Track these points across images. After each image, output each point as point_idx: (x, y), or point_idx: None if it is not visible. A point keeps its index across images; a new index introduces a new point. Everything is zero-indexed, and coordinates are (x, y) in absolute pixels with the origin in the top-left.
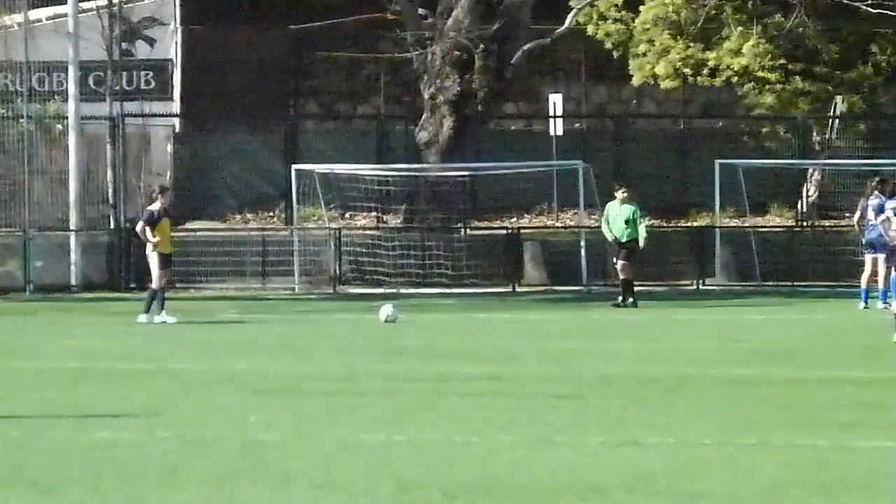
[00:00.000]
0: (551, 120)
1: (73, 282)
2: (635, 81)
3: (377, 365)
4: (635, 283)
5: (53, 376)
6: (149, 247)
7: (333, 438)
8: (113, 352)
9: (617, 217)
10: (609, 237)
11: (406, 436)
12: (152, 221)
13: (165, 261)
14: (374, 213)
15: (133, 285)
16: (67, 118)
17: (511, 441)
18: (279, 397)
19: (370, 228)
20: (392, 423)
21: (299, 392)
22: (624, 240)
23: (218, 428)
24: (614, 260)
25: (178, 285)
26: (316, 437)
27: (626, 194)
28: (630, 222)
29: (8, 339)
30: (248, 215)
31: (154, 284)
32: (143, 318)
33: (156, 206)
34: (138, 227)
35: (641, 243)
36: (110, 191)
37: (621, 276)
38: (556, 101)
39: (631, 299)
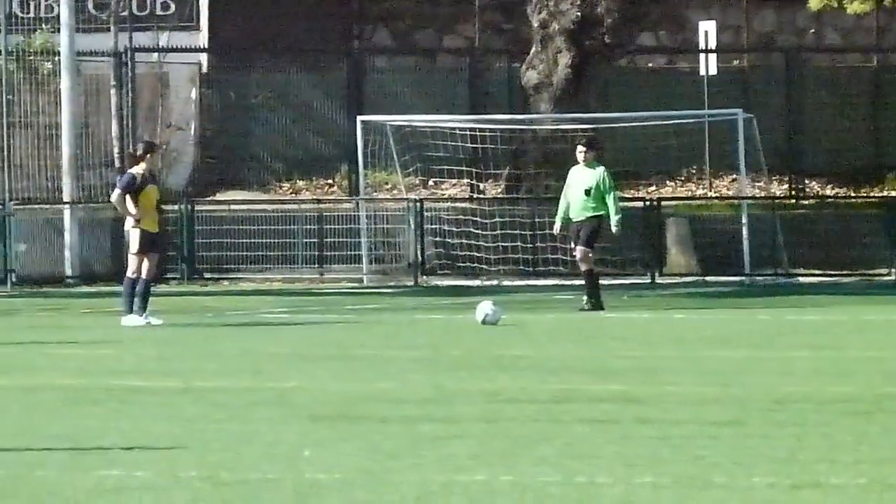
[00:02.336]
0: (702, 55)
1: (67, 271)
2: (814, 3)
3: (473, 382)
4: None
5: (43, 397)
6: (128, 222)
7: (416, 480)
8: (122, 365)
9: (575, 186)
10: (559, 215)
11: (513, 476)
12: (133, 188)
13: (150, 242)
14: (466, 180)
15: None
16: (59, 54)
17: (653, 483)
18: (343, 425)
19: (461, 200)
20: (495, 459)
21: (370, 418)
22: (582, 217)
23: (262, 466)
24: (572, 250)
25: (206, 276)
26: (392, 479)
27: (588, 154)
28: (593, 192)
29: None
30: (300, 183)
31: (130, 272)
32: (129, 320)
33: (139, 170)
34: (114, 196)
35: (613, 224)
36: (115, 150)
37: (582, 267)
38: (707, 30)
39: (592, 299)
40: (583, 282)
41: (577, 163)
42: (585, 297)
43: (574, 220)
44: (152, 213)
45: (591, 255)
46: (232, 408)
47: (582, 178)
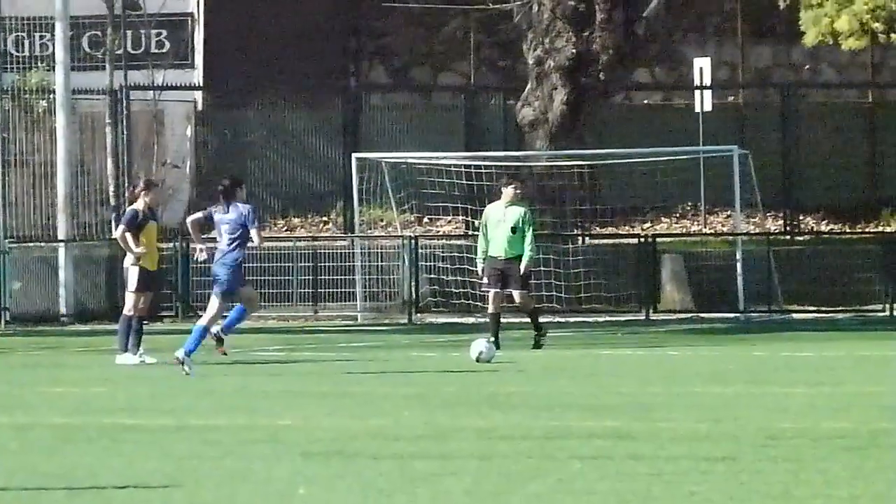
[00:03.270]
0: (697, 92)
1: (62, 309)
2: (809, 40)
3: (467, 419)
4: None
5: (37, 435)
6: (128, 259)
7: None
8: (115, 403)
9: (499, 224)
10: (480, 256)
11: None
12: (136, 225)
13: (148, 281)
14: (461, 217)
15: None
16: (54, 92)
17: None
18: (337, 462)
19: (456, 237)
20: (489, 496)
21: (363, 455)
22: (508, 256)
23: (256, 503)
24: (488, 285)
25: (201, 314)
26: None
27: (517, 191)
28: (518, 231)
29: None
30: (295, 220)
31: (127, 310)
32: (124, 358)
33: (139, 206)
34: (117, 233)
35: (523, 264)
36: (111, 188)
37: (527, 309)
38: (703, 66)
39: (540, 334)
40: (528, 320)
41: (497, 199)
42: (538, 336)
43: (498, 258)
44: (152, 252)
45: (530, 294)
46: (226, 445)
47: (507, 216)
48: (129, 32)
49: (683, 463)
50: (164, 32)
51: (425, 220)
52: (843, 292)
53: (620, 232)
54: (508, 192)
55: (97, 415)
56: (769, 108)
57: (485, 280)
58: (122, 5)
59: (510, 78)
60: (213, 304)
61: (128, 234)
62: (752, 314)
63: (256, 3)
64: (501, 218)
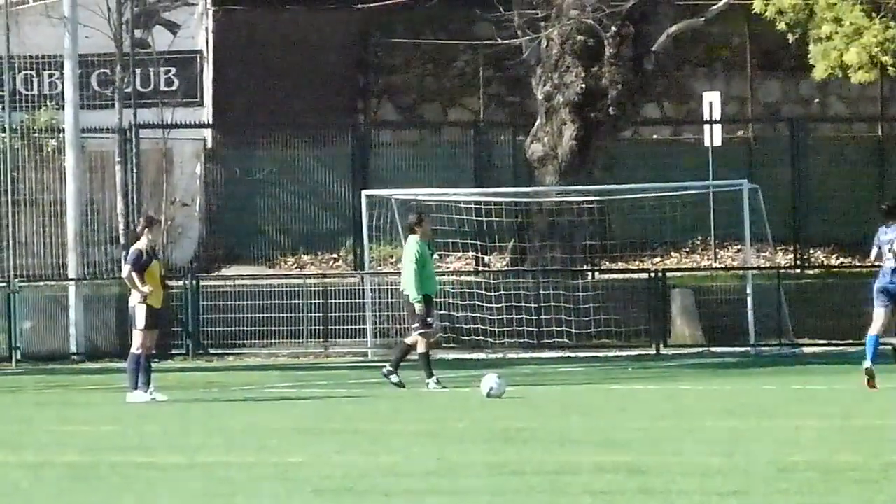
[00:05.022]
0: (707, 126)
1: (72, 348)
2: (818, 74)
3: (478, 454)
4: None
5: (48, 474)
6: (134, 297)
7: None
8: (126, 441)
9: (429, 261)
10: (415, 294)
11: None
12: (141, 265)
13: (154, 318)
14: (471, 253)
15: (153, 351)
16: (63, 131)
17: None
18: (348, 499)
19: (467, 273)
20: None
21: (375, 492)
22: (434, 292)
23: None
24: (428, 322)
25: (212, 351)
26: None
27: (427, 227)
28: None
29: None
30: (305, 257)
31: (135, 348)
32: (135, 396)
33: (143, 245)
34: (124, 273)
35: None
36: (121, 227)
37: (426, 348)
38: (712, 100)
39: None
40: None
41: (415, 234)
42: (428, 374)
43: (432, 295)
44: (157, 289)
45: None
46: (237, 483)
47: (430, 253)
48: (138, 71)
49: (695, 497)
50: (173, 70)
51: (435, 256)
52: (853, 325)
53: (630, 267)
54: (426, 228)
55: (108, 453)
56: (779, 142)
57: (431, 320)
58: (130, 43)
59: (519, 113)
60: (878, 313)
61: (134, 274)
62: (763, 348)
63: (265, 40)
64: (428, 254)
